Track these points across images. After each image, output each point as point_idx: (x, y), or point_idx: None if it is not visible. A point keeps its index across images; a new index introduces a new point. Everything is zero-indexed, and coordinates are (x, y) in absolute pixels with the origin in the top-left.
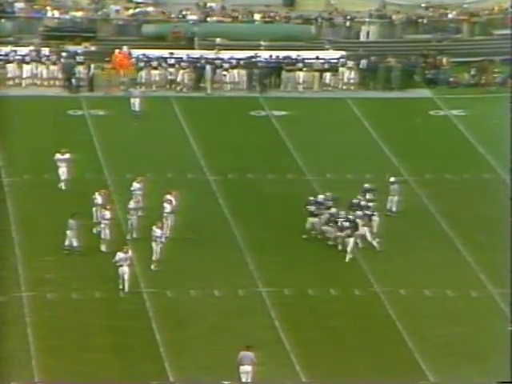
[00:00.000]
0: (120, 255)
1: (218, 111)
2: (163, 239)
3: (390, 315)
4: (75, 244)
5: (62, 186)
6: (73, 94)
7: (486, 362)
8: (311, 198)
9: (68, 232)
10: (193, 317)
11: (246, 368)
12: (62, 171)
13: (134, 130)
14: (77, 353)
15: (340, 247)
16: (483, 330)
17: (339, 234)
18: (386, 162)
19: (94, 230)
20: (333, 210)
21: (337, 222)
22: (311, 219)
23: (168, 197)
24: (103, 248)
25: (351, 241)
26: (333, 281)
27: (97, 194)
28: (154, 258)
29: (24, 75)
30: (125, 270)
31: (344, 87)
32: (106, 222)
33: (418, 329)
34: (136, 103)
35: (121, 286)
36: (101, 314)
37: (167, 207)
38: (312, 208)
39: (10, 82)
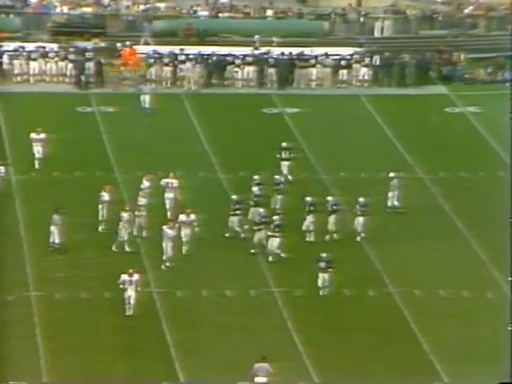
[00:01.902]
0: (124, 278)
1: (229, 108)
2: (174, 239)
3: (405, 316)
4: (57, 241)
5: (36, 164)
6: (82, 91)
7: (503, 364)
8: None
9: (52, 228)
10: (203, 317)
11: (261, 379)
12: (37, 150)
13: (144, 127)
14: (86, 353)
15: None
16: (499, 331)
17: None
18: (400, 160)
19: (100, 229)
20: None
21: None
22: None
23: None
24: (114, 248)
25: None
26: (346, 280)
27: (103, 191)
28: (164, 258)
29: (31, 71)
30: (130, 294)
31: (358, 84)
32: (123, 223)
33: (433, 330)
34: (146, 100)
35: (127, 311)
36: (110, 314)
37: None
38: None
39: (18, 78)
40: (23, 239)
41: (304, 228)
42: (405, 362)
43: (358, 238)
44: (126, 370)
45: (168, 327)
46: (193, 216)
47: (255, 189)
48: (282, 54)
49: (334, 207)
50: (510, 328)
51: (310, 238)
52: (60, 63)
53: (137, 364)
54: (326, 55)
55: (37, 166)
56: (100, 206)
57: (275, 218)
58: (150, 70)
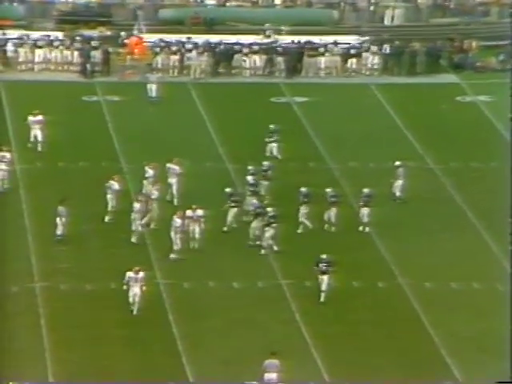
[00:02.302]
0: (130, 275)
1: (237, 97)
2: (183, 229)
3: (415, 309)
4: (62, 232)
5: (39, 147)
6: (87, 80)
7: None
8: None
9: (57, 219)
10: (211, 309)
11: (271, 376)
12: (35, 133)
13: (151, 116)
14: (91, 345)
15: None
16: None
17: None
18: (410, 150)
19: (106, 219)
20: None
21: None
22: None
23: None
24: (134, 240)
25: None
26: (355, 273)
27: (111, 180)
28: (174, 248)
29: (36, 59)
30: (136, 291)
31: (367, 73)
32: (137, 214)
33: (444, 323)
34: (152, 89)
35: (134, 311)
36: (116, 306)
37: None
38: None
39: (23, 67)
40: (28, 230)
41: (301, 219)
42: (415, 355)
43: (362, 228)
44: (132, 362)
45: (174, 319)
46: (200, 211)
47: (249, 178)
48: (293, 42)
49: (333, 199)
50: (509, 327)
51: (305, 229)
52: (65, 51)
53: (143, 357)
54: (336, 43)
55: (39, 149)
56: (109, 196)
57: (269, 209)
58: (156, 58)
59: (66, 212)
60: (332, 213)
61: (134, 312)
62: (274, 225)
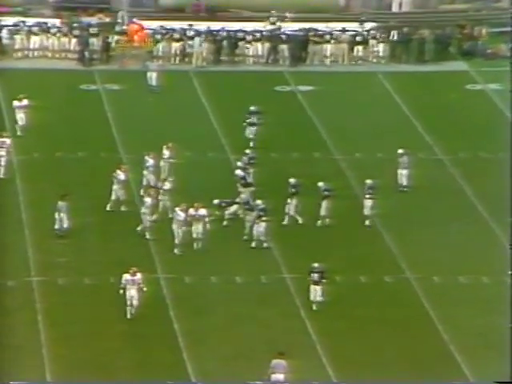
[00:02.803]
0: (127, 277)
1: (240, 86)
2: (186, 222)
3: (423, 304)
4: (61, 226)
5: (18, 131)
6: (86, 68)
7: None
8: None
9: (56, 214)
10: (213, 305)
11: (278, 377)
12: (20, 117)
13: (151, 105)
14: (89, 342)
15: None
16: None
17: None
18: (418, 140)
19: (108, 207)
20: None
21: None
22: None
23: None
24: (148, 235)
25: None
26: (361, 267)
27: (118, 170)
28: (176, 242)
29: (32, 46)
30: (133, 294)
31: (374, 60)
32: (147, 209)
33: (453, 318)
34: (153, 77)
35: (128, 314)
36: (115, 301)
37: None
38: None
39: (19, 54)
40: (24, 222)
41: (286, 211)
42: (423, 351)
43: (367, 222)
44: (132, 359)
45: (175, 315)
46: (203, 211)
47: (238, 171)
48: (299, 30)
49: (326, 193)
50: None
51: (291, 221)
52: (62, 39)
53: (143, 353)
54: (343, 30)
55: (19, 133)
56: (115, 187)
57: (258, 202)
58: (157, 46)
59: (66, 207)
60: (324, 206)
61: (128, 316)
62: (264, 218)
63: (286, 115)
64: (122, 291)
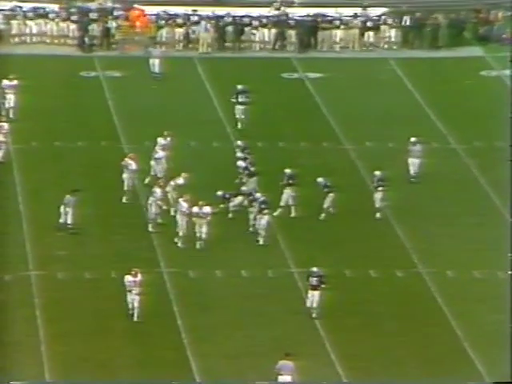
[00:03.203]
0: (128, 279)
1: (246, 73)
2: (190, 213)
3: (436, 299)
4: (66, 221)
5: (10, 114)
6: (86, 54)
7: None
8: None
9: (62, 208)
10: (218, 300)
11: (285, 378)
12: (9, 98)
13: (154, 93)
14: (90, 338)
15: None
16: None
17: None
18: (431, 129)
19: (124, 199)
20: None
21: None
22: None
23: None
24: (150, 228)
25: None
26: (372, 261)
27: (127, 159)
28: (180, 234)
29: (29, 32)
30: (134, 297)
31: (386, 46)
32: (155, 199)
33: (467, 314)
34: (156, 64)
35: (135, 317)
36: (117, 296)
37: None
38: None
39: (16, 40)
40: (22, 214)
41: (282, 203)
42: (436, 348)
43: (378, 215)
44: (134, 356)
45: (179, 311)
46: (207, 208)
47: (239, 162)
48: (308, 15)
49: (326, 189)
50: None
51: (292, 213)
52: (61, 24)
53: (145, 351)
54: (355, 16)
55: (11, 115)
56: (125, 176)
57: (258, 195)
58: (160, 31)
59: (73, 203)
60: (328, 198)
61: (135, 319)
62: (265, 211)
63: (293, 103)
64: (127, 294)
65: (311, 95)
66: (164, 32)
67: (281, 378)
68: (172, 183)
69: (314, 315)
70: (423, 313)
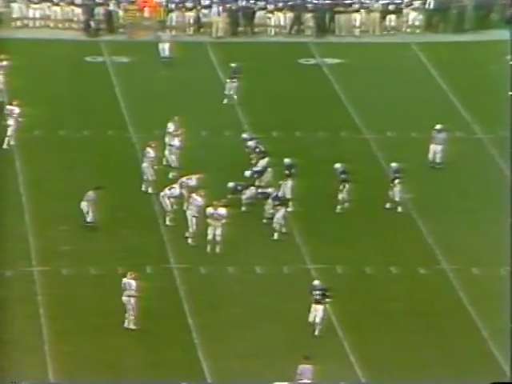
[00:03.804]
0: (124, 281)
1: (260, 59)
2: (203, 208)
3: (460, 298)
4: (90, 219)
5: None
6: (91, 38)
7: None
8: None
9: (84, 206)
10: (230, 297)
11: (305, 382)
12: None
13: (163, 79)
14: (96, 337)
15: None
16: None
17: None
18: (455, 117)
19: (143, 187)
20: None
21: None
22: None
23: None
24: (168, 222)
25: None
26: (393, 257)
27: (148, 147)
28: (191, 230)
29: (32, 15)
30: (125, 300)
31: (408, 30)
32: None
33: (493, 314)
34: (165, 48)
35: (132, 324)
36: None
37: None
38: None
39: (17, 23)
40: (24, 206)
41: (280, 194)
42: (460, 349)
43: (399, 209)
44: (142, 357)
45: (190, 309)
46: (222, 210)
47: (250, 143)
48: None
49: (343, 176)
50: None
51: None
52: (66, 8)
53: (154, 351)
54: None
55: (1, 98)
56: (144, 165)
57: (270, 190)
58: (170, 15)
59: (96, 198)
60: (344, 189)
61: (131, 326)
62: (278, 206)
63: (310, 90)
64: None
65: (329, 82)
66: (174, 16)
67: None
68: (184, 180)
69: (316, 332)
70: (447, 312)
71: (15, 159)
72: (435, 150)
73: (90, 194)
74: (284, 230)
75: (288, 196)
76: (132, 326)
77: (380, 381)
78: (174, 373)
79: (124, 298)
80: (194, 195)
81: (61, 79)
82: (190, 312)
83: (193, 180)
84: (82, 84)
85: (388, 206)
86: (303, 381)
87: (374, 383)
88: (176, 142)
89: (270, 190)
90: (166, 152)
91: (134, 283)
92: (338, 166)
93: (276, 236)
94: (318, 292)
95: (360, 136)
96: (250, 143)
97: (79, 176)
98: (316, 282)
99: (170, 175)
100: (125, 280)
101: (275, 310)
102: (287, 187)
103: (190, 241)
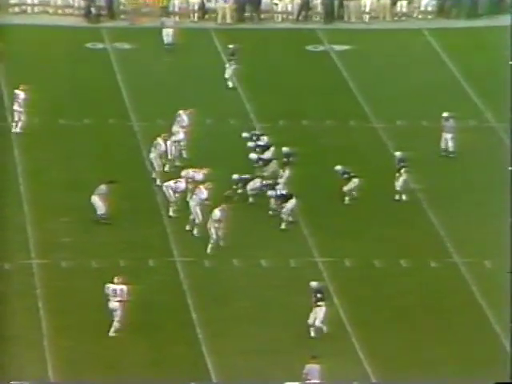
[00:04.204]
0: (112, 287)
1: (267, 46)
2: (207, 200)
3: (473, 292)
4: (101, 212)
5: None
6: (92, 24)
7: None
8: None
9: (96, 197)
10: (235, 291)
11: (313, 382)
12: None
13: (166, 66)
14: (96, 332)
15: None
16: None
17: None
18: (469, 106)
19: (158, 181)
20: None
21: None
22: None
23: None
24: (171, 213)
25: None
26: (403, 250)
27: (159, 138)
28: (196, 222)
29: (30, 1)
30: (115, 306)
31: (420, 16)
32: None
33: (506, 309)
34: (169, 34)
35: (112, 331)
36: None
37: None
38: None
39: (15, 9)
40: (23, 197)
41: (283, 190)
42: (473, 346)
43: (397, 197)
44: (144, 353)
45: (193, 303)
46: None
47: (252, 155)
48: None
49: (346, 176)
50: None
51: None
52: None
53: (157, 346)
54: None
55: None
56: (152, 156)
57: (271, 181)
58: (172, 1)
59: (107, 192)
60: (351, 183)
61: (111, 333)
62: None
63: (318, 78)
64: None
65: (338, 69)
66: (176, 1)
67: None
68: (191, 173)
69: (312, 334)
70: (459, 307)
71: (13, 148)
72: (446, 138)
73: (103, 187)
74: (291, 218)
75: (282, 184)
76: (115, 334)
77: (390, 378)
78: (177, 369)
79: (113, 304)
80: (201, 187)
81: (60, 67)
82: (193, 307)
83: (200, 174)
84: (82, 71)
85: (397, 197)
86: (311, 381)
87: (383, 380)
88: (181, 135)
89: (271, 181)
90: (168, 143)
91: (125, 288)
92: (338, 168)
93: (283, 225)
94: (315, 293)
95: (369, 125)
96: (250, 144)
97: (80, 166)
98: (313, 284)
99: (167, 167)
100: (113, 286)
101: (281, 305)
102: (285, 176)
103: (195, 232)
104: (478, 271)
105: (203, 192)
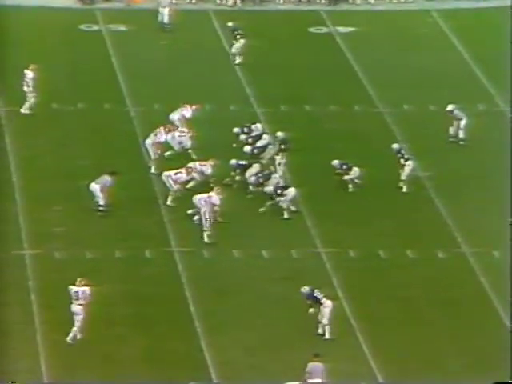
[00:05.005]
0: (74, 290)
1: (268, 27)
2: None
3: (482, 283)
4: (101, 202)
5: None
6: (86, 5)
7: None
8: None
9: (98, 187)
10: (235, 284)
11: (316, 382)
12: None
13: (163, 49)
14: (91, 326)
15: None
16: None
17: None
18: (478, 89)
19: (153, 170)
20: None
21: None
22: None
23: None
24: (169, 202)
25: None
26: (410, 240)
27: (162, 128)
28: (192, 211)
29: None
30: (77, 309)
31: None
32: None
33: None
34: (164, 13)
35: (70, 336)
36: (122, 279)
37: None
38: None
39: None
40: (15, 185)
41: (280, 179)
42: (482, 339)
43: (404, 189)
44: (141, 347)
45: (192, 296)
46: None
47: (246, 148)
48: None
49: (344, 167)
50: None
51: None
52: None
53: (154, 341)
54: None
55: None
56: (148, 142)
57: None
58: None
59: (108, 184)
60: (352, 172)
61: (68, 339)
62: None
63: (322, 61)
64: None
65: (342, 52)
66: None
67: (310, 382)
68: (198, 166)
69: (319, 331)
70: (467, 298)
71: (5, 134)
72: (457, 125)
73: (107, 178)
74: (293, 208)
75: (280, 172)
76: (72, 341)
77: (395, 375)
78: (175, 364)
79: (76, 308)
80: (214, 195)
81: (53, 49)
82: (192, 299)
83: (208, 168)
84: (76, 54)
85: (402, 186)
86: (314, 380)
87: (388, 378)
88: (185, 137)
89: (270, 171)
90: (169, 137)
91: (88, 290)
92: (335, 162)
93: (286, 214)
94: (308, 299)
95: (374, 110)
96: (242, 137)
97: (73, 153)
98: (303, 290)
99: (166, 154)
100: (75, 288)
101: (283, 298)
102: (278, 163)
103: (195, 218)
104: (486, 262)
105: (216, 199)
